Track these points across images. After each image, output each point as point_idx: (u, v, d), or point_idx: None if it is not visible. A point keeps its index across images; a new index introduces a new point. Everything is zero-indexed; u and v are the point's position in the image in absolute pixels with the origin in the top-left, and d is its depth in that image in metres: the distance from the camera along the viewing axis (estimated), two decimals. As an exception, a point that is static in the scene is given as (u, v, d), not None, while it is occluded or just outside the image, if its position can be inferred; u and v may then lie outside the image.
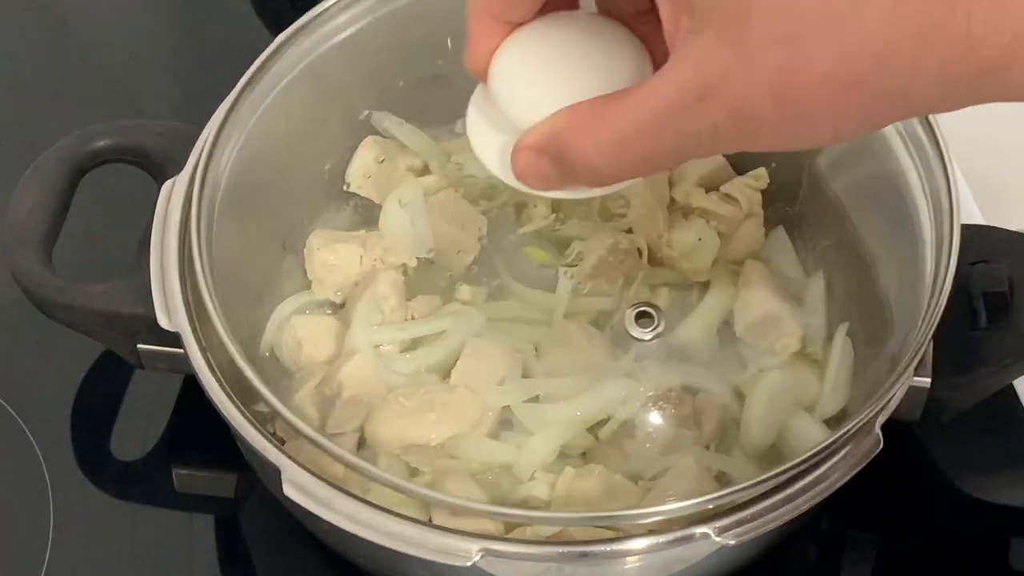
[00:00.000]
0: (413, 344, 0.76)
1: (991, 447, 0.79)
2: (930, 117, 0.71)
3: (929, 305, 0.66)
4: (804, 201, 0.81)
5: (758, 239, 0.81)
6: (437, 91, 0.84)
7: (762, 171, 0.81)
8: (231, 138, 0.75)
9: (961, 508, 0.78)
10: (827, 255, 0.80)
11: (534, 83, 0.56)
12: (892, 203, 0.73)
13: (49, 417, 0.81)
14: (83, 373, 0.83)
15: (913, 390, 0.67)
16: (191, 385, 0.68)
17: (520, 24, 0.57)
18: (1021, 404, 0.79)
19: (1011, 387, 0.78)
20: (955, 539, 0.77)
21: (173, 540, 0.77)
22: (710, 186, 0.81)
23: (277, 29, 0.79)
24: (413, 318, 0.77)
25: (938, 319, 0.65)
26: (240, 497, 0.78)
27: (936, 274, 0.68)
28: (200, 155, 0.73)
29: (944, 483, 0.79)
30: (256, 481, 0.72)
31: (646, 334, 0.75)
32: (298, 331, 0.75)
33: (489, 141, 0.59)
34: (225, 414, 0.66)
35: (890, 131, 0.74)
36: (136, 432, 0.81)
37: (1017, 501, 0.79)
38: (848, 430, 0.64)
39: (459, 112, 0.84)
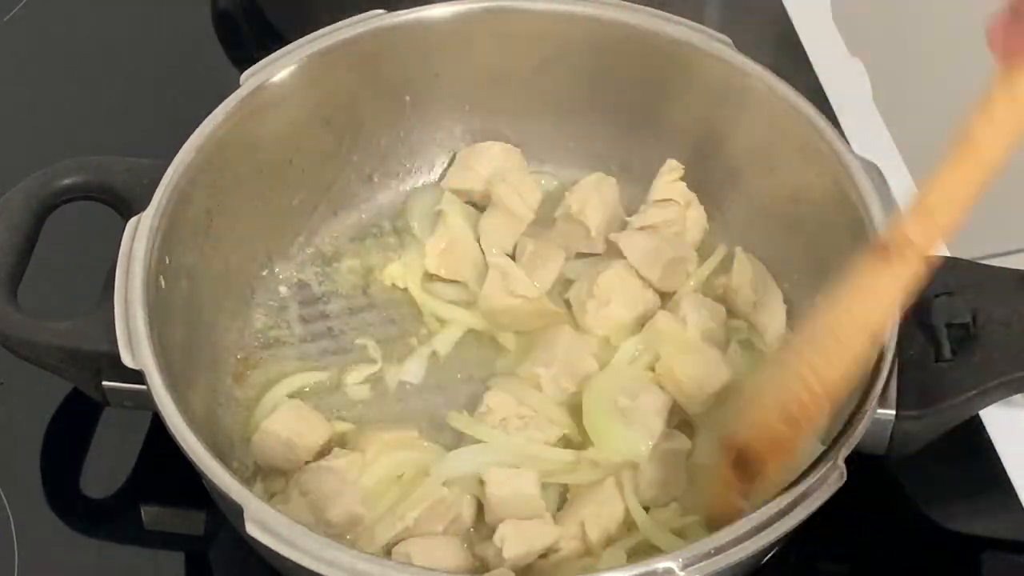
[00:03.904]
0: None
1: (959, 476, 0.79)
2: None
3: (887, 337, 0.67)
4: (772, 240, 0.82)
5: (703, 220, 0.84)
6: (404, 121, 0.86)
7: (673, 162, 0.84)
8: (197, 174, 0.75)
9: (930, 537, 0.78)
10: (795, 290, 0.81)
11: None
12: (858, 236, 0.74)
13: (16, 455, 0.80)
14: (51, 411, 0.82)
15: (877, 423, 0.68)
16: (160, 422, 0.68)
17: None
18: (987, 433, 0.79)
19: (977, 417, 0.78)
20: (925, 569, 0.77)
21: (142, 578, 0.77)
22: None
23: (243, 65, 0.80)
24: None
25: (892, 351, 0.66)
26: (209, 534, 0.78)
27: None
28: (165, 191, 0.73)
29: (913, 513, 0.79)
30: (225, 518, 0.72)
31: None
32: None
33: None
34: (188, 451, 0.66)
35: (854, 164, 0.75)
36: (105, 469, 0.80)
37: (985, 530, 0.79)
38: (811, 464, 0.64)
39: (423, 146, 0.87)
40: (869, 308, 0.64)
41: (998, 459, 0.79)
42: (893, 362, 0.68)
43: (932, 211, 0.61)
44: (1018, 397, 0.74)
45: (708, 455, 0.74)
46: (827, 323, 0.65)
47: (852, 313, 0.64)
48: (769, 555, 0.69)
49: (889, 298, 0.64)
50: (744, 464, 0.66)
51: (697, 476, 0.73)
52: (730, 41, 0.81)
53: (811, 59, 0.98)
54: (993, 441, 0.79)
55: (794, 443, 0.66)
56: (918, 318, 0.71)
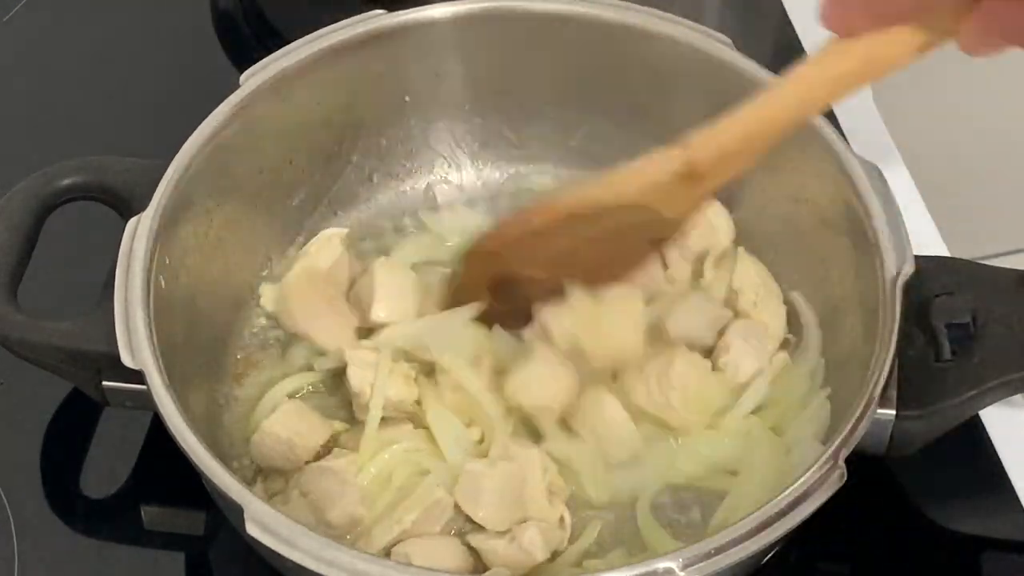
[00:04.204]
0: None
1: (959, 476, 0.79)
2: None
3: (887, 338, 0.67)
4: (772, 241, 0.82)
5: (730, 224, 0.84)
6: (404, 121, 0.86)
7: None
8: (197, 174, 0.75)
9: (930, 537, 0.78)
10: (795, 291, 0.81)
11: None
12: (858, 236, 0.74)
13: (16, 455, 0.80)
14: (51, 411, 0.82)
15: (877, 423, 0.68)
16: (160, 422, 0.68)
17: None
18: (987, 433, 0.79)
19: (977, 417, 0.78)
20: (925, 569, 0.77)
21: (142, 578, 0.77)
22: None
23: (243, 65, 0.80)
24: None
25: (892, 351, 0.66)
26: (209, 535, 0.78)
27: (893, 307, 0.69)
28: (165, 191, 0.73)
29: (913, 513, 0.79)
30: (225, 518, 0.72)
31: None
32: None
33: None
34: (188, 451, 0.66)
35: (855, 165, 0.75)
36: (105, 469, 0.80)
37: (985, 530, 0.79)
38: (812, 464, 0.64)
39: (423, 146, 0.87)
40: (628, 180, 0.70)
41: (998, 459, 0.79)
42: (893, 362, 0.68)
43: (723, 134, 0.67)
44: (1018, 397, 0.74)
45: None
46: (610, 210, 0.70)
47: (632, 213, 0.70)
48: (769, 555, 0.69)
49: (649, 180, 0.69)
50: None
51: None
52: (730, 41, 0.81)
53: (811, 59, 0.98)
54: (993, 441, 0.79)
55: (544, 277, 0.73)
56: (918, 319, 0.71)
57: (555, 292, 0.75)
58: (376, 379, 0.74)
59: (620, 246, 0.74)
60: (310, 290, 0.80)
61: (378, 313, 0.78)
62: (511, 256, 0.75)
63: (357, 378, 0.75)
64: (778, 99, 0.65)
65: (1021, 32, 0.57)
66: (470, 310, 0.76)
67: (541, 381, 0.74)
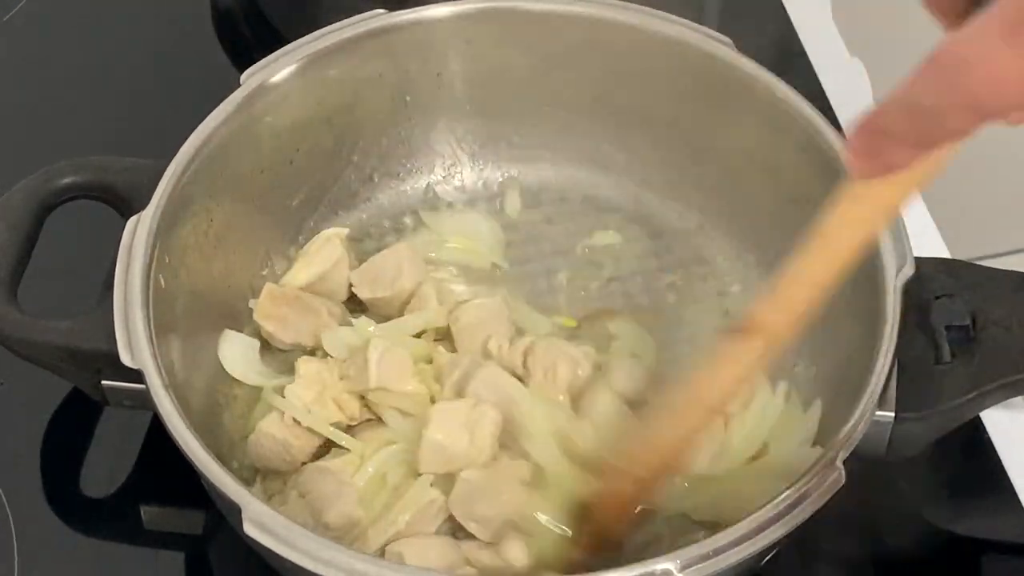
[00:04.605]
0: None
1: (959, 477, 0.79)
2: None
3: (886, 339, 0.67)
4: (772, 242, 0.82)
5: None
6: (404, 121, 0.86)
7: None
8: (197, 173, 0.76)
9: (930, 539, 0.78)
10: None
11: None
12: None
13: (15, 455, 0.80)
14: (51, 410, 0.82)
15: (876, 425, 0.68)
16: (160, 422, 0.68)
17: None
18: (987, 435, 0.79)
19: (977, 418, 0.78)
20: (925, 570, 0.77)
21: (141, 578, 0.77)
22: None
23: (243, 65, 0.80)
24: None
25: (891, 353, 0.65)
26: (209, 534, 0.78)
27: (892, 308, 0.69)
28: (165, 191, 0.73)
29: (913, 514, 0.79)
30: (224, 518, 0.72)
31: None
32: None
33: None
34: (186, 451, 0.66)
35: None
36: (104, 469, 0.80)
37: (985, 531, 0.79)
38: (811, 466, 0.64)
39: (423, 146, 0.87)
40: (726, 386, 0.67)
41: (999, 460, 0.79)
42: (892, 364, 0.68)
43: (788, 299, 0.63)
44: (1019, 398, 0.74)
45: None
46: (683, 398, 0.68)
47: (712, 392, 0.67)
48: (768, 557, 0.69)
49: (735, 378, 0.67)
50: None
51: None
52: (730, 41, 0.81)
53: (811, 59, 0.98)
54: (993, 442, 0.79)
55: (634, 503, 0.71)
56: (917, 320, 0.71)
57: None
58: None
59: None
60: (281, 308, 0.80)
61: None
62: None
63: (293, 395, 0.75)
64: (830, 243, 0.61)
65: None
66: None
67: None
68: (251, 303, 0.81)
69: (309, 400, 0.75)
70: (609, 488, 0.71)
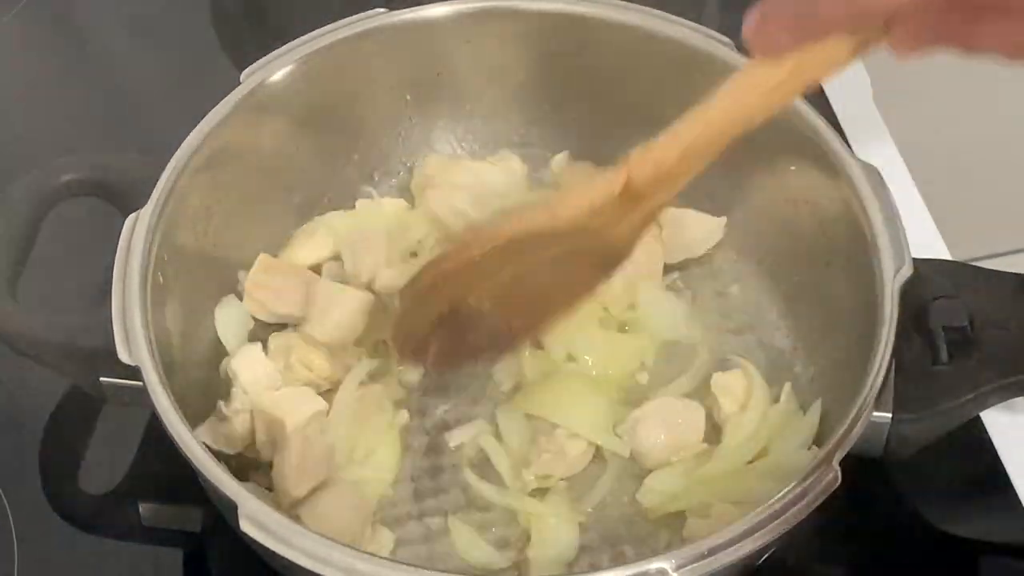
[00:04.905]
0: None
1: (959, 478, 0.79)
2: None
3: (883, 340, 0.67)
4: (771, 243, 0.82)
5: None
6: (404, 120, 0.86)
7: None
8: (196, 171, 0.76)
9: (929, 540, 0.78)
10: (793, 293, 0.81)
11: None
12: (856, 238, 0.74)
13: (14, 451, 0.81)
14: (50, 407, 0.82)
15: (873, 426, 0.68)
16: (157, 418, 0.68)
17: None
18: (987, 435, 0.79)
19: (977, 418, 0.78)
20: (923, 572, 0.77)
21: (140, 574, 0.77)
22: None
23: (243, 65, 0.80)
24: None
25: (889, 354, 0.65)
26: (207, 531, 0.78)
27: (890, 310, 0.69)
28: (165, 189, 0.74)
29: (911, 515, 0.78)
30: (223, 515, 0.72)
31: None
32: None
33: None
34: (183, 448, 0.66)
35: (854, 167, 0.75)
36: (103, 465, 0.81)
37: (985, 532, 0.78)
38: (807, 467, 0.64)
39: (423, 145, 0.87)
40: (594, 237, 0.67)
41: (998, 460, 0.78)
42: (890, 365, 0.68)
43: (661, 156, 0.64)
44: (1019, 398, 0.74)
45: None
46: (558, 243, 0.68)
47: (579, 239, 0.67)
48: (764, 557, 0.69)
49: (588, 204, 0.66)
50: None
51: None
52: (730, 41, 0.81)
53: (812, 60, 0.98)
54: (993, 442, 0.79)
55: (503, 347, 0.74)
56: (915, 321, 0.71)
57: (500, 331, 0.73)
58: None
59: (565, 274, 0.71)
60: (275, 279, 0.81)
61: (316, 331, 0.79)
62: (452, 288, 0.71)
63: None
64: (713, 113, 0.63)
65: (949, 36, 0.57)
66: None
67: None
68: (240, 274, 0.81)
69: (274, 368, 0.76)
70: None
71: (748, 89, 0.62)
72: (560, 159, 0.88)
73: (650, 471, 0.76)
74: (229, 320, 0.80)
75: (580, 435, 0.76)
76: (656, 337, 0.81)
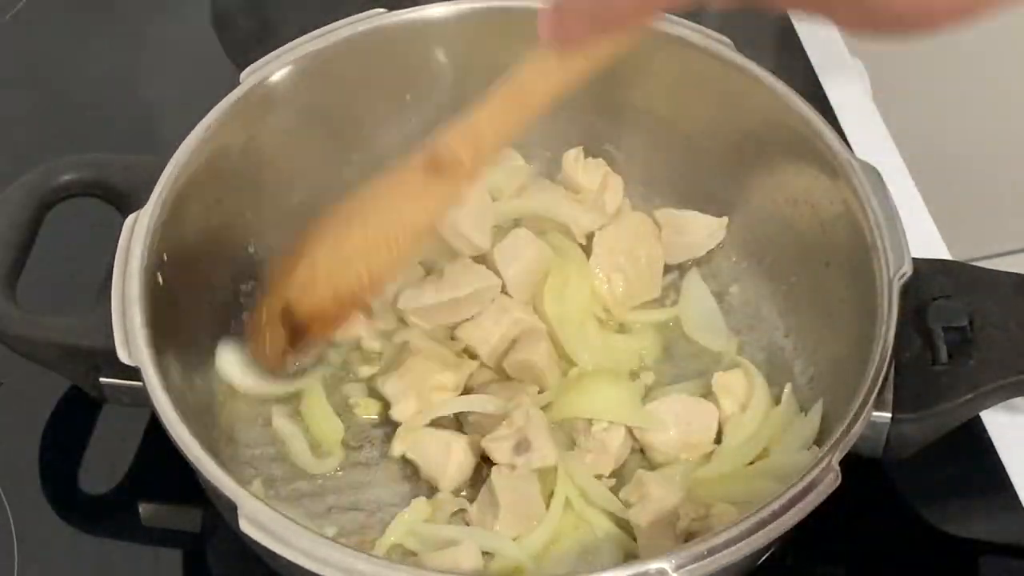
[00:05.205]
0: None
1: (958, 478, 0.79)
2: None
3: (883, 340, 0.67)
4: (771, 242, 0.82)
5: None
6: (404, 120, 0.86)
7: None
8: (196, 171, 0.76)
9: (929, 540, 0.78)
10: (793, 293, 0.81)
11: None
12: (856, 238, 0.74)
13: (14, 452, 0.81)
14: (50, 408, 0.82)
15: (873, 426, 0.68)
16: (157, 419, 0.68)
17: None
18: (987, 435, 0.79)
19: (977, 417, 0.78)
20: (923, 572, 0.77)
21: (139, 574, 0.77)
22: None
23: (243, 65, 0.80)
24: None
25: (888, 354, 0.65)
26: (206, 531, 0.78)
27: (890, 309, 0.69)
28: (164, 188, 0.74)
29: (911, 515, 0.79)
30: (223, 515, 0.72)
31: None
32: None
33: None
34: (183, 448, 0.66)
35: (854, 167, 0.75)
36: (103, 466, 0.81)
37: (985, 532, 0.78)
38: (807, 466, 0.64)
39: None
40: (416, 212, 0.70)
41: (998, 460, 0.79)
42: (889, 365, 0.68)
43: (479, 136, 0.67)
44: (1019, 398, 0.74)
45: None
46: (379, 222, 0.70)
47: (402, 215, 0.70)
48: (764, 557, 0.69)
49: (433, 206, 0.70)
50: (293, 325, 0.70)
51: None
52: (730, 41, 0.81)
53: (811, 59, 0.98)
54: (993, 442, 0.79)
55: (339, 321, 0.72)
56: (915, 321, 0.71)
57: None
58: None
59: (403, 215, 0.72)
60: None
61: None
62: (303, 294, 0.71)
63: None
64: (516, 95, 0.66)
65: None
66: None
67: None
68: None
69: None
70: (318, 301, 0.71)
71: (546, 79, 0.64)
72: (572, 155, 0.87)
73: (658, 465, 0.76)
74: (231, 361, 0.79)
75: (615, 421, 0.75)
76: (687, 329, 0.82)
